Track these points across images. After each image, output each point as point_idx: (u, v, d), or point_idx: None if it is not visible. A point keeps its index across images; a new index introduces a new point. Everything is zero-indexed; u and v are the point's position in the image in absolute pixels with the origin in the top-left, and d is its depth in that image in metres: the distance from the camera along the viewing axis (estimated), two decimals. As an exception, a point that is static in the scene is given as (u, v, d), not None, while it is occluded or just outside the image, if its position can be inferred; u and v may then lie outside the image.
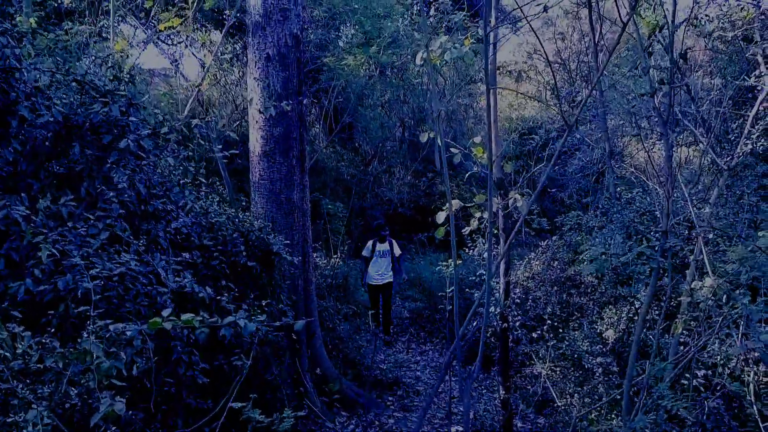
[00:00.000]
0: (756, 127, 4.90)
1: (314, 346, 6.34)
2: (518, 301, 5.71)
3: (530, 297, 6.22)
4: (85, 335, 2.24)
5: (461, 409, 6.99)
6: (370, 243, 9.15)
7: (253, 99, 5.91)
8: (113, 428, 2.08)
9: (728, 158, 5.11)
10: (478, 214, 5.08)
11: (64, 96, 3.39)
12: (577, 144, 14.86)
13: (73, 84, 3.36)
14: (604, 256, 4.75)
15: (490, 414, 5.99)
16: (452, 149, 6.09)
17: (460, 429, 6.38)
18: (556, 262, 7.70)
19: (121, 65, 3.91)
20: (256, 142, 5.98)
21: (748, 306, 3.03)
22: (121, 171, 3.23)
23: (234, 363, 3.95)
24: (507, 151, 18.32)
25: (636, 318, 5.28)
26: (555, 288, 6.81)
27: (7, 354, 2.24)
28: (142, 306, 2.98)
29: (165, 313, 2.31)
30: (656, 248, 3.41)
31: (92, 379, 2.18)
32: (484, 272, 5.58)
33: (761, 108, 4.84)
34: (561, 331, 5.59)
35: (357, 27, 10.88)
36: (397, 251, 9.38)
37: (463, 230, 5.20)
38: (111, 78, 3.44)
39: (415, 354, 8.96)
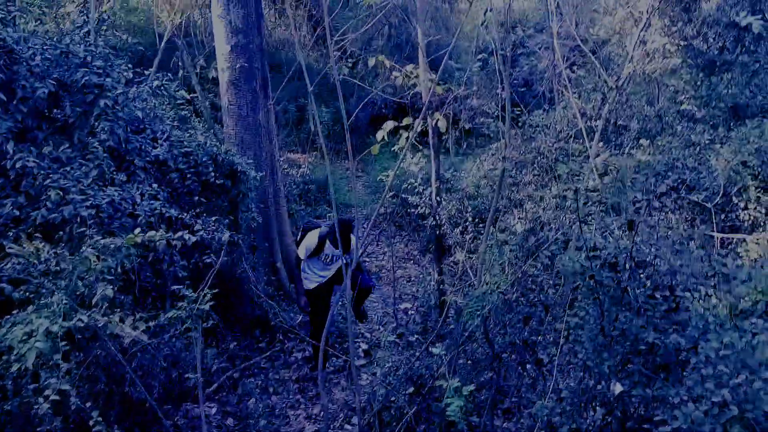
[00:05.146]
0: (636, 51, 5.79)
1: (284, 243, 7.60)
2: (442, 201, 6.82)
3: (462, 197, 7.37)
4: (84, 248, 3.43)
5: (413, 289, 8.35)
6: (314, 237, 5.65)
7: (217, 35, 6.80)
8: (106, 306, 3.29)
9: (616, 78, 6.06)
10: (405, 134, 6.11)
11: (54, 63, 4.39)
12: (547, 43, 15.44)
13: (59, 53, 4.35)
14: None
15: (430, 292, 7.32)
16: (394, 73, 7.04)
17: (409, 305, 7.75)
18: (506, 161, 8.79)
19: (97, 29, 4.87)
20: (223, 72, 6.93)
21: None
22: (104, 122, 4.30)
23: (206, 261, 5.19)
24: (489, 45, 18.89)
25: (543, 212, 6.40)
26: (493, 186, 7.95)
27: (34, 260, 3.43)
28: (126, 224, 4.14)
29: (136, 231, 3.48)
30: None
31: (92, 275, 3.38)
32: (413, 180, 6.72)
33: (641, 34, 5.71)
34: (482, 225, 6.78)
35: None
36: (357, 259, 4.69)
37: (393, 148, 6.24)
38: (86, 49, 4.41)
39: (384, 246, 10.26)
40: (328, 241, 5.67)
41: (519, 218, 6.27)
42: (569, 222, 5.29)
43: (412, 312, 7.50)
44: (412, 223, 11.12)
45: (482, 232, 7.04)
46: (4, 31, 3.89)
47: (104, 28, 5.50)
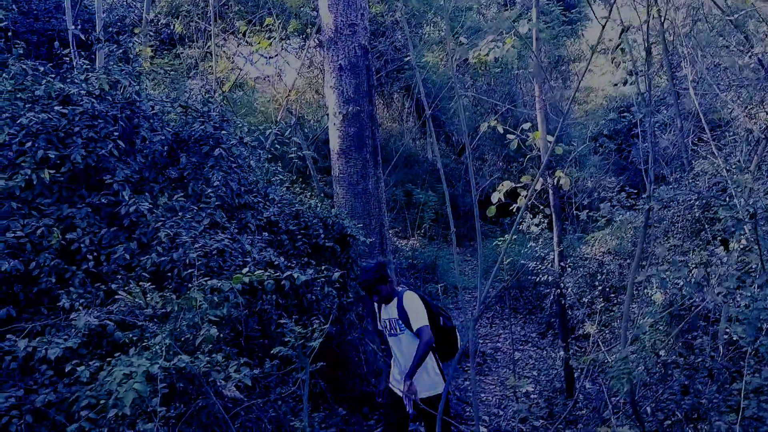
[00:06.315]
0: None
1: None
2: (569, 269, 6.23)
3: (587, 266, 6.73)
4: (191, 288, 3.22)
5: (534, 373, 7.61)
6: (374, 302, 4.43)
7: (330, 104, 6.85)
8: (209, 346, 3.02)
9: (764, 127, 5.41)
10: (524, 193, 5.69)
11: (174, 117, 4.45)
12: (668, 120, 14.73)
13: (179, 108, 4.40)
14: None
15: (555, 374, 6.59)
16: (508, 135, 6.73)
17: (531, 389, 7.01)
18: (631, 233, 8.09)
19: (214, 90, 4.97)
20: (334, 142, 6.91)
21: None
22: (217, 173, 4.23)
23: (314, 323, 4.89)
24: (603, 129, 18.39)
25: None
26: (619, 260, 7.26)
27: (141, 302, 3.26)
28: (235, 272, 3.94)
29: (244, 270, 3.24)
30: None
31: (197, 317, 3.15)
32: (534, 244, 6.20)
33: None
34: (613, 295, 6.09)
35: (433, 26, 11.67)
36: (418, 320, 4.01)
37: (511, 208, 5.82)
38: (204, 102, 4.45)
39: (498, 328, 9.60)
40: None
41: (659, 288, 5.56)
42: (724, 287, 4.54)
43: (535, 395, 6.76)
44: (527, 305, 10.44)
45: (615, 304, 6.34)
46: (126, 79, 3.98)
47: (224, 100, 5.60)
